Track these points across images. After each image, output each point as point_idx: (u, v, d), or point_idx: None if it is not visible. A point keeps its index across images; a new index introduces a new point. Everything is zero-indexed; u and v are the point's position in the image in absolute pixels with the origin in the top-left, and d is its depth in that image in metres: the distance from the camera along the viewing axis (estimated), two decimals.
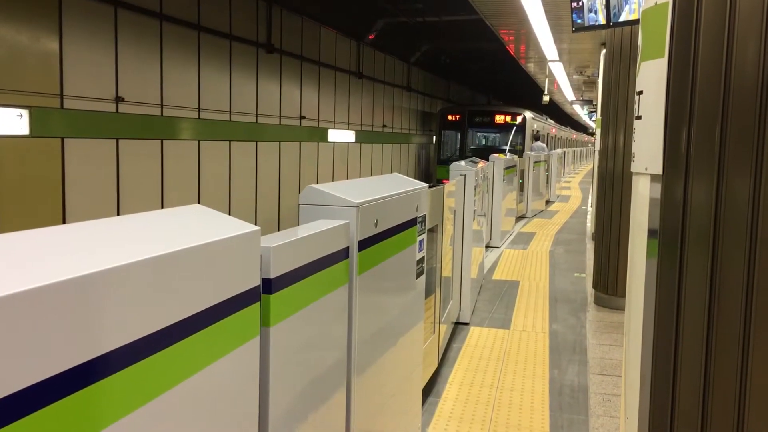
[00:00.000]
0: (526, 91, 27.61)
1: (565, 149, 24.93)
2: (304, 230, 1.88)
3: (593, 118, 26.91)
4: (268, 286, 1.60)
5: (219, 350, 1.38)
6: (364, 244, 2.22)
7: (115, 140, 8.77)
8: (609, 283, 5.62)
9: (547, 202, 15.06)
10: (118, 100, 8.78)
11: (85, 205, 8.26)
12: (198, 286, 1.30)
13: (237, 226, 1.49)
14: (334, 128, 15.87)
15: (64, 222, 7.93)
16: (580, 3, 6.17)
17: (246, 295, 1.47)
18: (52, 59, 7.77)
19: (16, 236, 1.09)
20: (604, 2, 5.68)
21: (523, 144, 20.24)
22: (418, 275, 3.01)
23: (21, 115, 7.27)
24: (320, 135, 15.14)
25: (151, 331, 1.16)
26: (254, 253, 1.52)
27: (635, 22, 5.23)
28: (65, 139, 7.96)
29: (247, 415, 1.53)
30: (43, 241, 1.11)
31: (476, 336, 4.89)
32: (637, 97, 2.10)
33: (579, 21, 6.31)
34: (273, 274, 1.61)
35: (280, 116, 13.26)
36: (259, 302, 1.54)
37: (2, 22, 7.11)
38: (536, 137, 19.31)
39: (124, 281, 1.10)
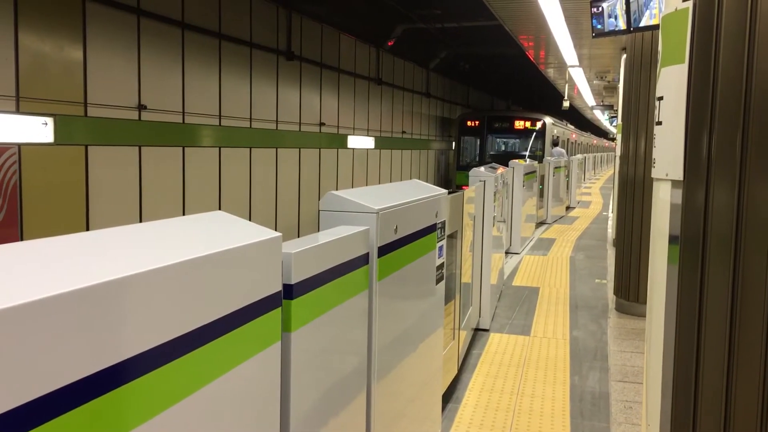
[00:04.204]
0: (546, 96, 27.49)
1: (585, 154, 24.78)
2: (324, 236, 1.90)
3: (614, 124, 26.71)
4: (289, 291, 1.62)
5: (241, 355, 1.40)
6: (383, 250, 2.23)
7: (137, 147, 8.88)
8: (630, 290, 5.57)
9: (568, 208, 14.97)
10: (141, 107, 8.89)
11: (108, 211, 8.36)
12: (220, 292, 1.32)
13: (259, 233, 1.51)
14: (353, 135, 15.92)
15: (87, 228, 8.03)
16: (600, 8, 6.15)
17: (267, 300, 1.49)
18: (76, 68, 7.89)
19: (42, 243, 1.12)
20: (624, 7, 5.65)
21: (543, 149, 20.14)
22: (438, 281, 3.01)
23: (46, 123, 7.39)
24: (340, 141, 15.19)
25: (174, 335, 1.18)
26: (275, 258, 1.54)
27: (656, 27, 5.19)
28: (89, 147, 8.08)
29: (268, 420, 1.55)
30: (69, 247, 1.14)
31: (496, 342, 4.87)
32: (657, 103, 2.09)
33: (599, 26, 6.28)
34: (294, 280, 1.63)
35: (300, 123, 13.33)
36: (280, 307, 1.56)
37: (27, 32, 7.24)
38: (556, 143, 19.22)
39: (149, 287, 1.12)
